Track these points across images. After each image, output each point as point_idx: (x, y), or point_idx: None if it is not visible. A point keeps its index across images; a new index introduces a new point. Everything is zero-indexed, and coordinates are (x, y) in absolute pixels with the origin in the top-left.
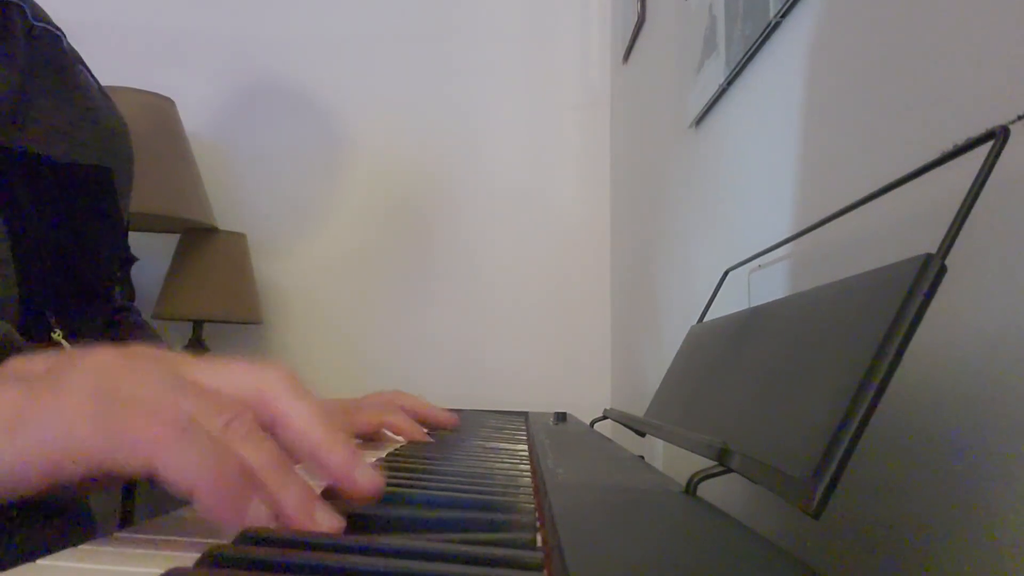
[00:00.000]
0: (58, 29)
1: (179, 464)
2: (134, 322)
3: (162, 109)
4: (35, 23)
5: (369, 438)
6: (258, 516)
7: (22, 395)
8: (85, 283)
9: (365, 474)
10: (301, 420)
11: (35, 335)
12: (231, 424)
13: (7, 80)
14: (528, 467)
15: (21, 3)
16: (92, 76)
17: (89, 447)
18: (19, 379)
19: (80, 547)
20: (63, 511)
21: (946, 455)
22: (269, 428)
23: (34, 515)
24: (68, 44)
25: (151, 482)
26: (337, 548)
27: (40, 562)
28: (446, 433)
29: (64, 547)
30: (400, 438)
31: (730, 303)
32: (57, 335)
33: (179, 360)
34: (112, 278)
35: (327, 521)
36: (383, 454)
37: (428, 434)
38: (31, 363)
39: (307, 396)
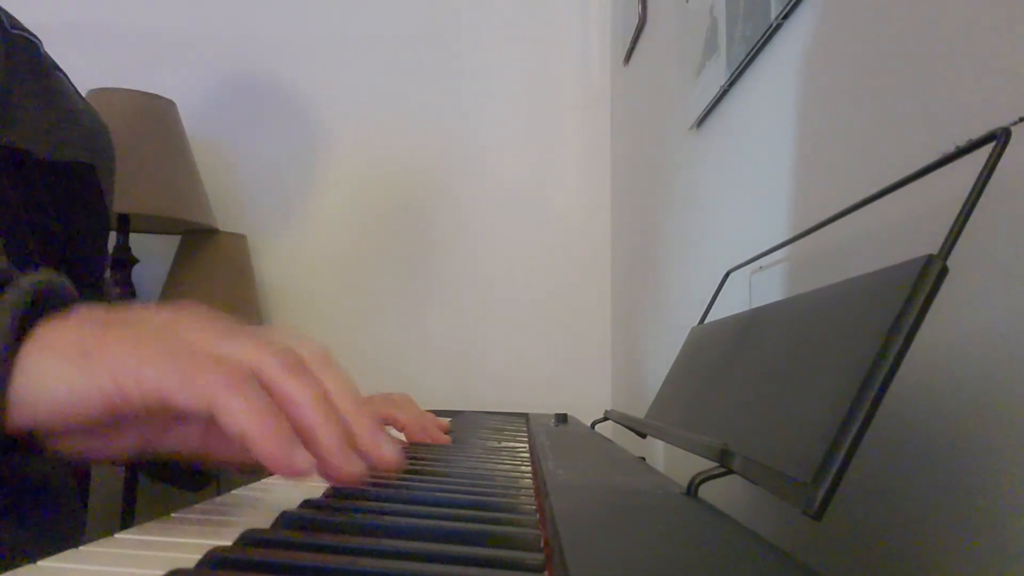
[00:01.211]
0: (35, 36)
1: (237, 409)
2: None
3: (163, 111)
4: (12, 31)
5: None
6: (305, 461)
7: (96, 329)
8: (74, 276)
9: (353, 462)
10: (296, 395)
11: None
12: (287, 357)
13: None
14: (529, 468)
15: None
16: (70, 82)
17: (158, 381)
18: (88, 320)
19: (81, 548)
20: (49, 504)
21: (947, 456)
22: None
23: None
24: (45, 51)
25: (154, 478)
26: (338, 549)
27: (41, 563)
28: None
29: (47, 543)
30: (401, 436)
31: (731, 304)
32: None
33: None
34: (100, 273)
35: (354, 467)
36: None
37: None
38: (94, 310)
39: (307, 374)
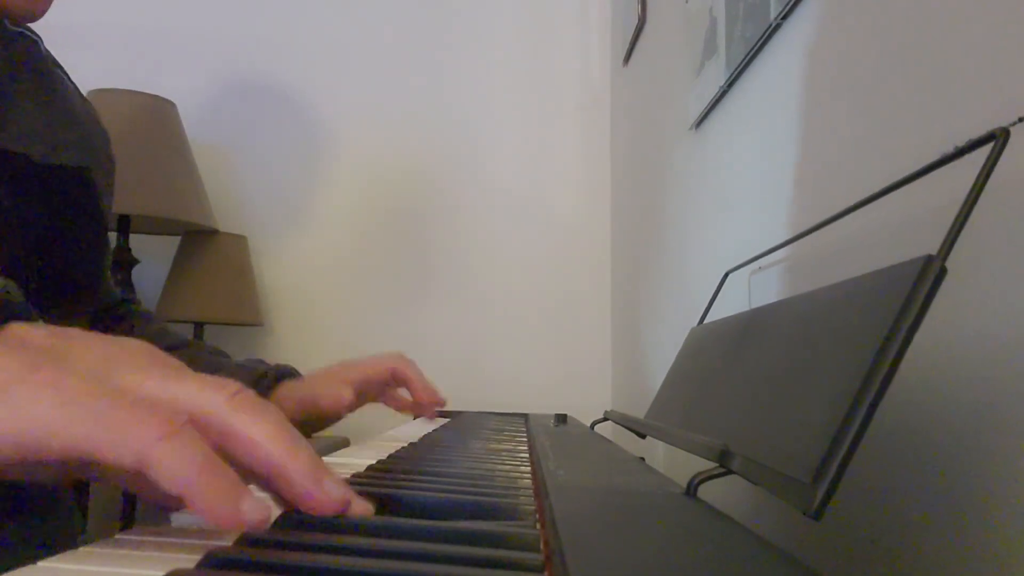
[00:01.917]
0: (35, 34)
1: (168, 464)
2: (140, 313)
3: (163, 112)
4: (11, 27)
5: (382, 390)
6: (255, 510)
7: (20, 363)
8: (69, 279)
9: (334, 487)
10: (255, 433)
11: None
12: (236, 396)
13: None
14: (529, 469)
15: None
16: (70, 80)
17: (81, 439)
18: (19, 346)
19: (81, 548)
20: (43, 509)
21: (946, 456)
22: (221, 446)
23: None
24: (45, 48)
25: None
26: (337, 550)
27: (41, 563)
28: (446, 431)
29: (37, 545)
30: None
31: (731, 305)
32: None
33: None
34: (98, 274)
35: (335, 492)
36: (384, 455)
37: (430, 434)
38: (33, 331)
39: (261, 411)
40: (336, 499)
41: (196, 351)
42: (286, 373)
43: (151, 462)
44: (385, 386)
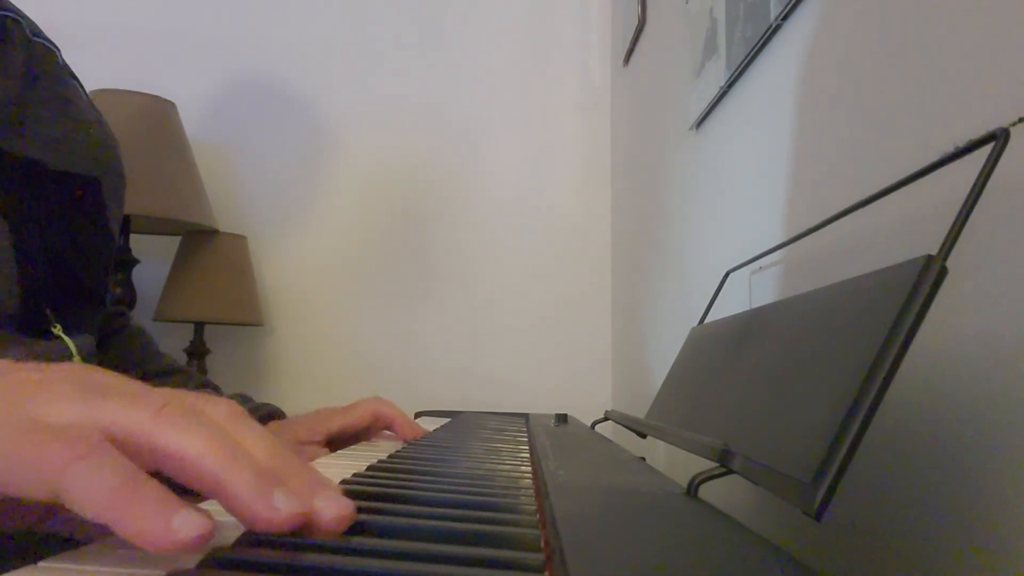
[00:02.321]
0: (54, 45)
1: (80, 488)
2: (131, 327)
3: (163, 112)
4: (33, 38)
5: (362, 435)
6: (190, 526)
7: None
8: (80, 284)
9: (284, 501)
10: (185, 448)
11: (34, 328)
12: (163, 410)
13: (6, 88)
14: (529, 469)
15: (19, 18)
16: (84, 91)
17: None
18: None
19: (81, 548)
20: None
21: (947, 456)
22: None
23: None
24: (63, 59)
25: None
26: (339, 550)
27: (41, 564)
28: (446, 431)
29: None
30: (390, 433)
31: (731, 305)
32: (57, 329)
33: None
34: (103, 283)
35: (285, 506)
36: (383, 455)
37: (430, 434)
38: None
39: (193, 424)
40: (286, 515)
41: (184, 379)
42: (272, 414)
43: (63, 489)
44: (366, 430)
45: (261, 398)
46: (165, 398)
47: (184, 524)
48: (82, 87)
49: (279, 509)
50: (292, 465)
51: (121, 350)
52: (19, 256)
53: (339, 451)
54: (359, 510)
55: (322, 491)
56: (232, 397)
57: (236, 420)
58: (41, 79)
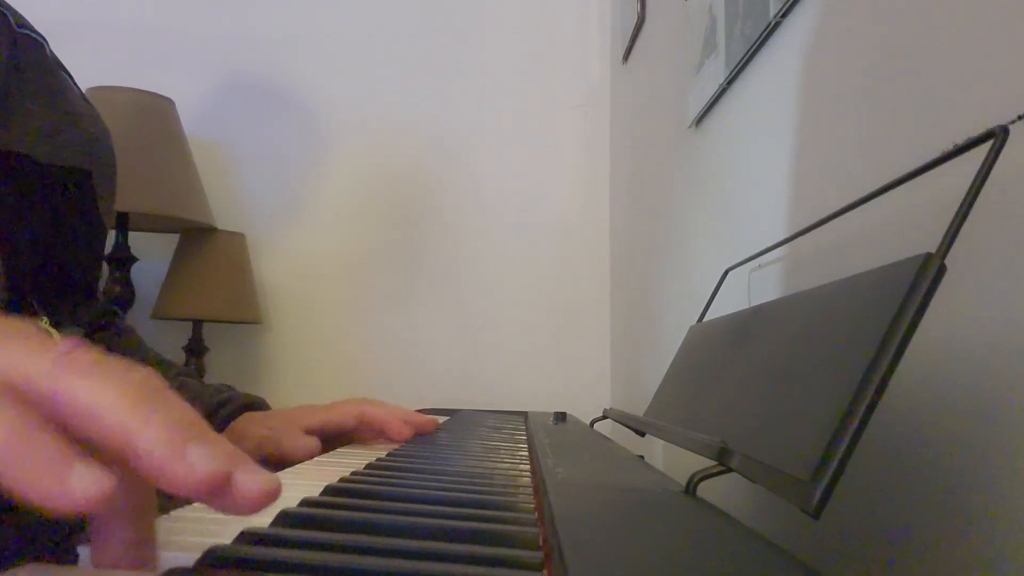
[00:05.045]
0: (41, 36)
1: None
2: (121, 328)
3: (161, 109)
4: (18, 30)
5: (349, 435)
6: (91, 482)
7: None
8: (68, 278)
9: (202, 457)
10: (91, 399)
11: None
12: (68, 355)
13: None
14: (528, 467)
15: (4, 11)
16: (74, 83)
17: None
18: None
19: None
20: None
21: (946, 455)
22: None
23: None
24: (51, 51)
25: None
26: (337, 547)
27: (42, 564)
28: (445, 430)
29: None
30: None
31: (730, 302)
32: (44, 322)
33: None
34: (94, 277)
35: (203, 462)
36: (382, 453)
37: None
38: None
39: (102, 371)
40: (203, 474)
41: (165, 369)
42: (253, 405)
43: None
44: (350, 432)
45: (260, 395)
46: (66, 342)
47: (83, 481)
48: (72, 79)
49: (195, 466)
50: (213, 435)
51: (108, 346)
52: (4, 249)
53: (337, 450)
54: (357, 508)
55: (244, 464)
56: (215, 387)
57: (152, 382)
58: (27, 71)
